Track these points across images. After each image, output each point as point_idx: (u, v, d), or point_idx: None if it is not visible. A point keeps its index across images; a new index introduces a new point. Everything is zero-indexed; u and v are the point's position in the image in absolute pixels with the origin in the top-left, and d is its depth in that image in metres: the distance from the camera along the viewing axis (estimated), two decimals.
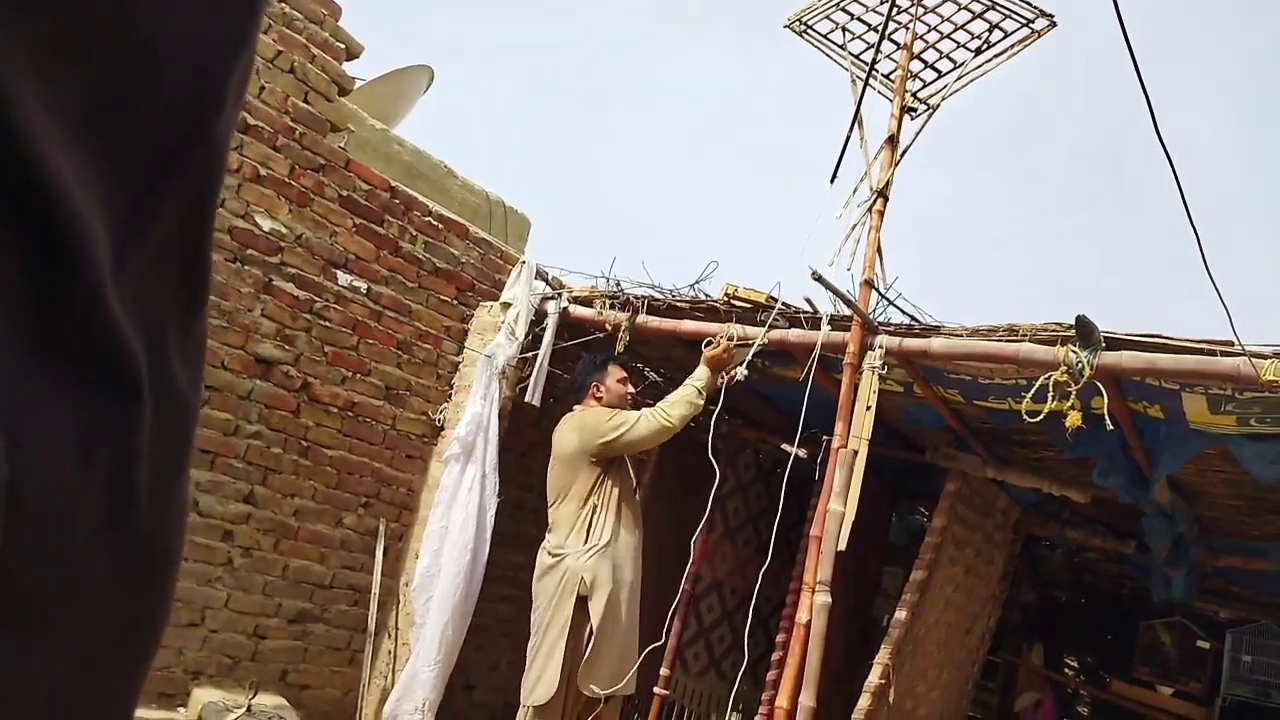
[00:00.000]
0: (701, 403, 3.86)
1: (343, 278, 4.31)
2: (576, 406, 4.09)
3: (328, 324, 4.27)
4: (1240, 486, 4.14)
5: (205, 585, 3.96)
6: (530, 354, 4.68)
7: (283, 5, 4.01)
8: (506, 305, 4.69)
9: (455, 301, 4.82)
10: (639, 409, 3.96)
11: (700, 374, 3.92)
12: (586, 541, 3.70)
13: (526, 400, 4.62)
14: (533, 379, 4.60)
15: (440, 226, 4.73)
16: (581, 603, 3.64)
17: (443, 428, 4.74)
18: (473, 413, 4.51)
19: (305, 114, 4.12)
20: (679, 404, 3.82)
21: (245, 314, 3.99)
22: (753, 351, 3.93)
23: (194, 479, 3.88)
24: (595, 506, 3.76)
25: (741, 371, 3.93)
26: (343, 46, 4.24)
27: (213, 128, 0.41)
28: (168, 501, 0.41)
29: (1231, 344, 2.89)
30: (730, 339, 3.96)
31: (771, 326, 4.01)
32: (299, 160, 4.11)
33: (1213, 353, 2.91)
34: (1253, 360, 2.81)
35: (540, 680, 3.64)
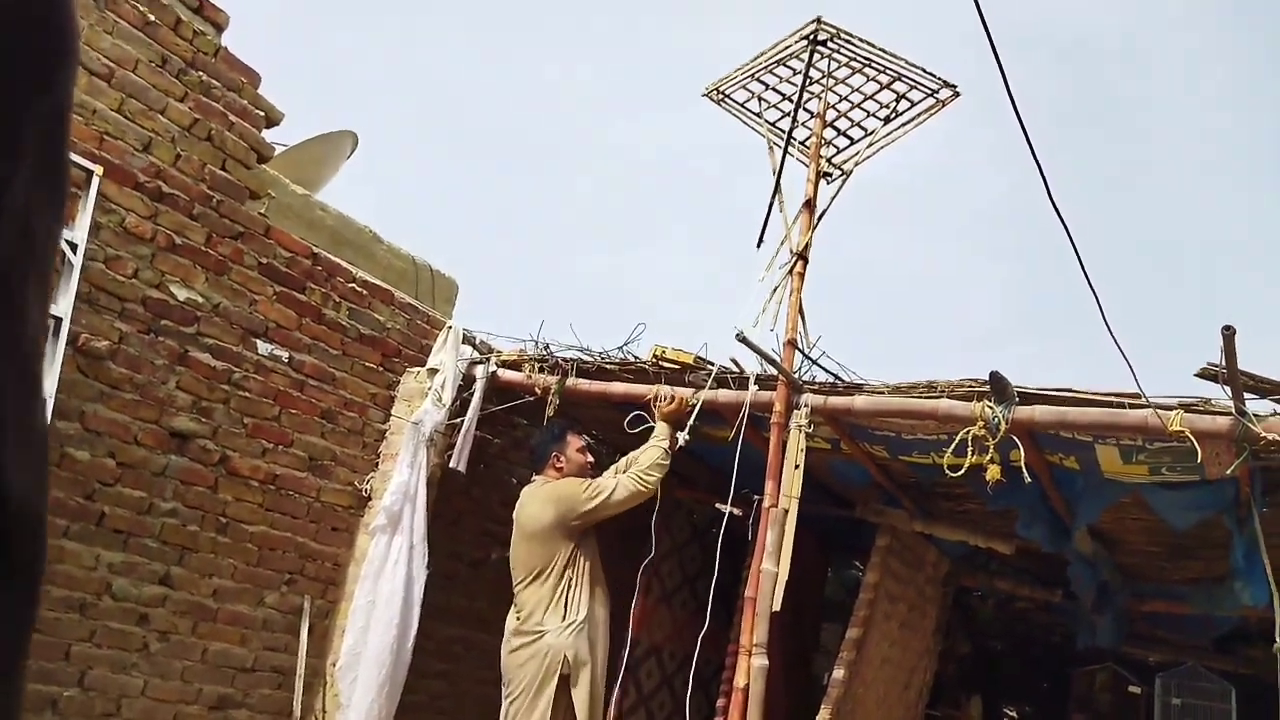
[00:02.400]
0: (668, 462, 3.92)
1: (263, 347, 4.22)
2: (536, 478, 4.07)
3: (247, 395, 4.17)
4: (1158, 533, 4.25)
5: (120, 673, 3.76)
6: (458, 420, 4.63)
7: (199, 73, 3.98)
8: (433, 371, 4.64)
9: (381, 368, 4.75)
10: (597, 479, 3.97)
11: (661, 431, 3.98)
12: (564, 618, 3.66)
13: (452, 466, 4.55)
14: (458, 445, 4.54)
15: (364, 292, 4.67)
16: (563, 681, 3.59)
17: (369, 498, 4.63)
18: (399, 481, 4.42)
19: (223, 181, 4.06)
20: (653, 467, 3.88)
21: (160, 387, 3.87)
22: (693, 417, 3.95)
23: (106, 561, 3.72)
24: (570, 581, 3.73)
25: (683, 436, 3.95)
26: (262, 114, 4.21)
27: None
28: None
29: (1138, 396, 2.99)
30: (681, 396, 4.00)
31: (704, 388, 4.04)
32: (216, 228, 4.04)
33: (1121, 405, 3.01)
34: (1158, 412, 2.91)
35: None
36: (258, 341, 4.20)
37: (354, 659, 4.25)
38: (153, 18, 3.78)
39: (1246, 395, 2.88)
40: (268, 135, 4.30)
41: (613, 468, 4.20)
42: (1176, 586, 5.17)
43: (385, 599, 4.30)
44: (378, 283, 4.78)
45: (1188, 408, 2.97)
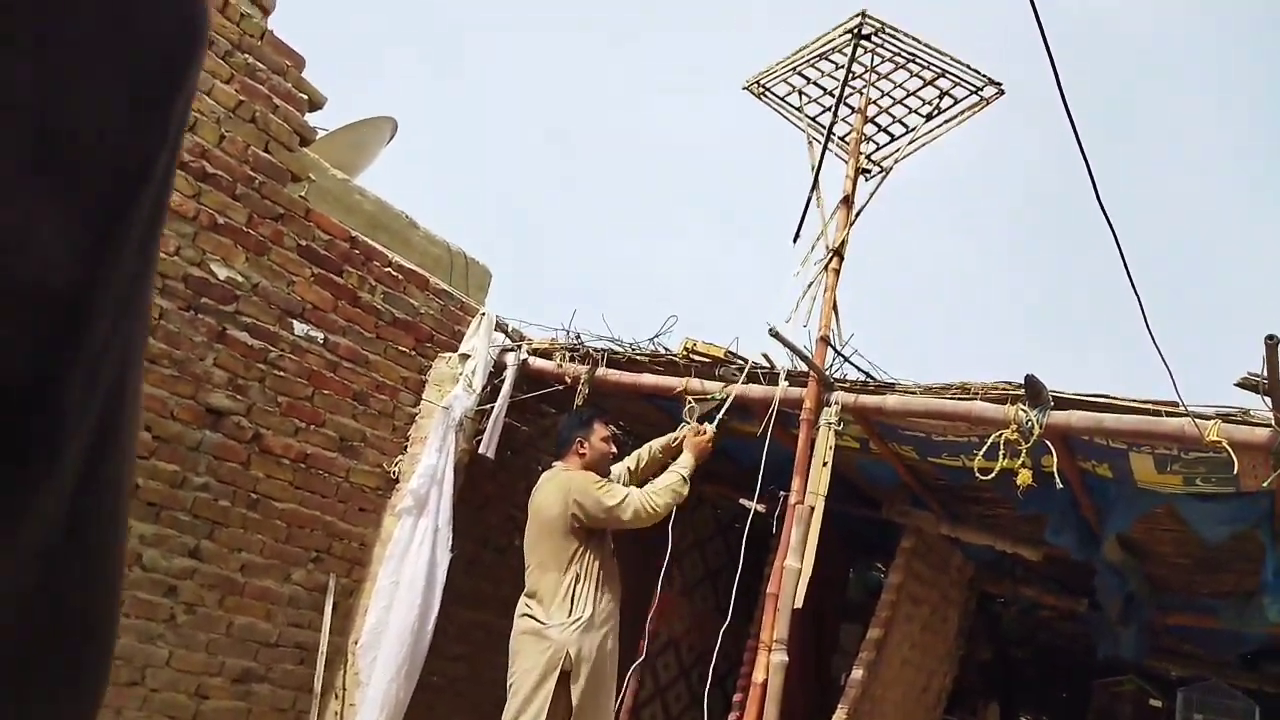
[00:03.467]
0: (685, 491, 3.83)
1: (299, 327, 4.27)
2: (557, 463, 3.98)
3: (282, 374, 4.22)
4: (1188, 545, 4.20)
5: (147, 643, 3.83)
6: (488, 406, 4.65)
7: (245, 56, 4.03)
8: (465, 357, 4.67)
9: (413, 353, 4.79)
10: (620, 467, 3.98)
11: (685, 461, 3.90)
12: (570, 615, 3.61)
13: (481, 452, 4.58)
14: (488, 431, 4.56)
15: (400, 277, 4.71)
16: (564, 678, 3.56)
17: (398, 480, 4.68)
18: (427, 465, 4.46)
19: (265, 163, 4.11)
20: (665, 492, 3.78)
21: (197, 363, 3.93)
22: (724, 409, 3.94)
23: (138, 532, 3.78)
24: (577, 576, 3.67)
25: (710, 428, 3.93)
26: (305, 97, 4.25)
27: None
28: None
29: (1176, 404, 2.96)
30: (709, 432, 3.96)
31: (733, 382, 4.04)
32: (258, 209, 4.09)
33: (1158, 413, 2.98)
34: (1196, 421, 2.87)
35: None
36: (294, 322, 4.25)
37: (375, 638, 4.30)
38: None
39: None
40: (310, 119, 4.35)
41: (632, 456, 4.19)
42: (1205, 600, 5.11)
43: (408, 580, 4.34)
44: (413, 268, 4.82)
45: (1226, 418, 2.93)
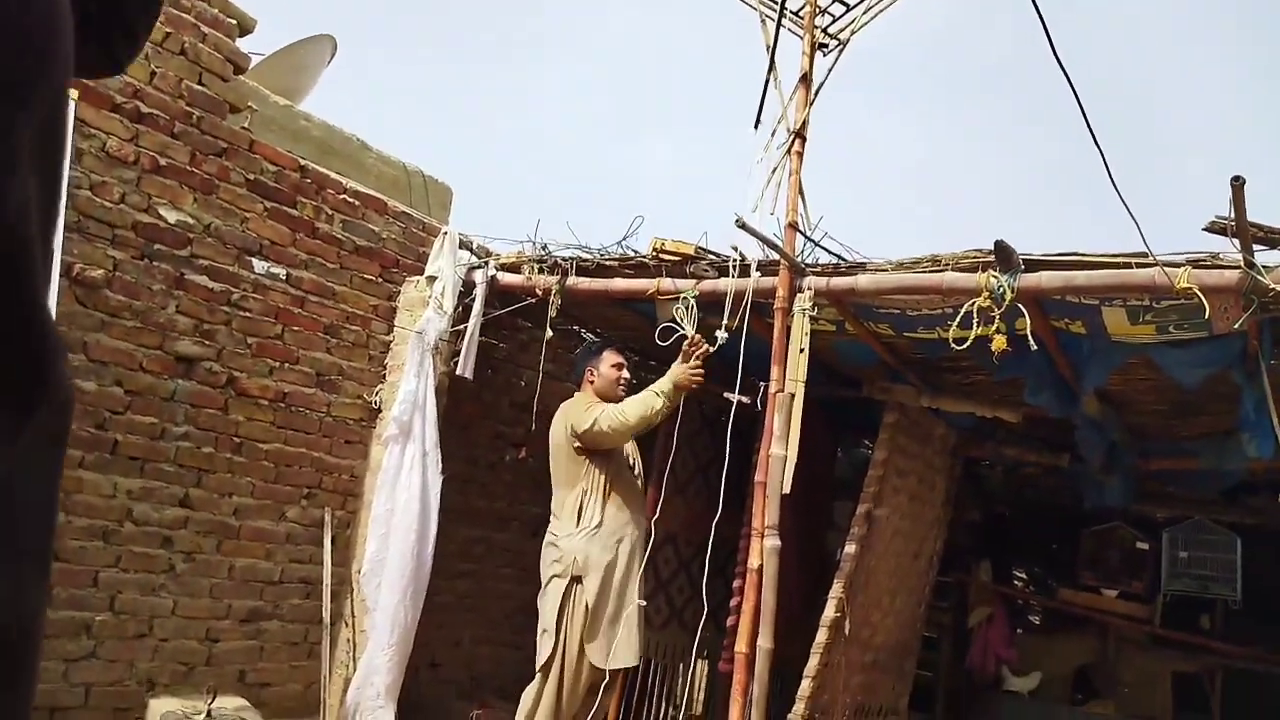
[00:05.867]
0: (659, 406, 3.83)
1: (259, 265, 4.18)
2: (576, 395, 4.20)
3: (248, 315, 4.15)
4: (1165, 392, 4.27)
5: (150, 595, 3.86)
6: (462, 326, 4.61)
7: None
8: (432, 279, 4.60)
9: (380, 279, 4.72)
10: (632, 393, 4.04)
11: (664, 384, 3.88)
12: (578, 524, 3.87)
13: (459, 373, 4.56)
14: (463, 351, 4.54)
15: (357, 203, 4.60)
16: (576, 581, 3.81)
17: (380, 410, 4.66)
18: (407, 391, 4.44)
19: (201, 96, 3.95)
20: (636, 405, 3.87)
21: (159, 312, 3.85)
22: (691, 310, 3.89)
23: (125, 488, 3.77)
24: (585, 491, 3.91)
25: (721, 335, 3.86)
26: (234, 22, 4.06)
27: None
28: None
29: (1145, 255, 2.95)
30: (698, 353, 3.87)
31: (704, 278, 4.00)
32: (200, 146, 3.94)
33: (1128, 265, 2.98)
34: (1166, 270, 2.88)
35: (539, 650, 3.86)
36: (253, 260, 4.16)
37: (378, 565, 4.35)
38: None
39: (1256, 247, 2.84)
40: (243, 44, 4.16)
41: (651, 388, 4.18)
42: (1184, 443, 5.22)
43: (403, 506, 4.38)
44: (370, 192, 4.70)
45: (1195, 263, 2.93)
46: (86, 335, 3.63)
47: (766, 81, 3.60)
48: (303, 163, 4.37)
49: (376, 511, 4.42)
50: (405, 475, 4.44)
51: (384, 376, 4.70)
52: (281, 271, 4.26)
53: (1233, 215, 2.66)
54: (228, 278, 4.07)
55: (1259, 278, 2.80)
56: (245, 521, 4.19)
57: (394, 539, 4.39)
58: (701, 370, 3.87)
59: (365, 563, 4.37)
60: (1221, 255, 2.94)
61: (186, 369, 3.96)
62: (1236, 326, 3.04)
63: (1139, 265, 2.97)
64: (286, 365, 4.31)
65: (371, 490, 4.52)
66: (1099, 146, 2.44)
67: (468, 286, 4.67)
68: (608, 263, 4.36)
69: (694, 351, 3.87)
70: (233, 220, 4.08)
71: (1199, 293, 2.88)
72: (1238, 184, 2.51)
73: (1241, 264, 2.85)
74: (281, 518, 4.34)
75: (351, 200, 4.57)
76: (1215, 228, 2.80)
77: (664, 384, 3.90)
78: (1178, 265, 2.91)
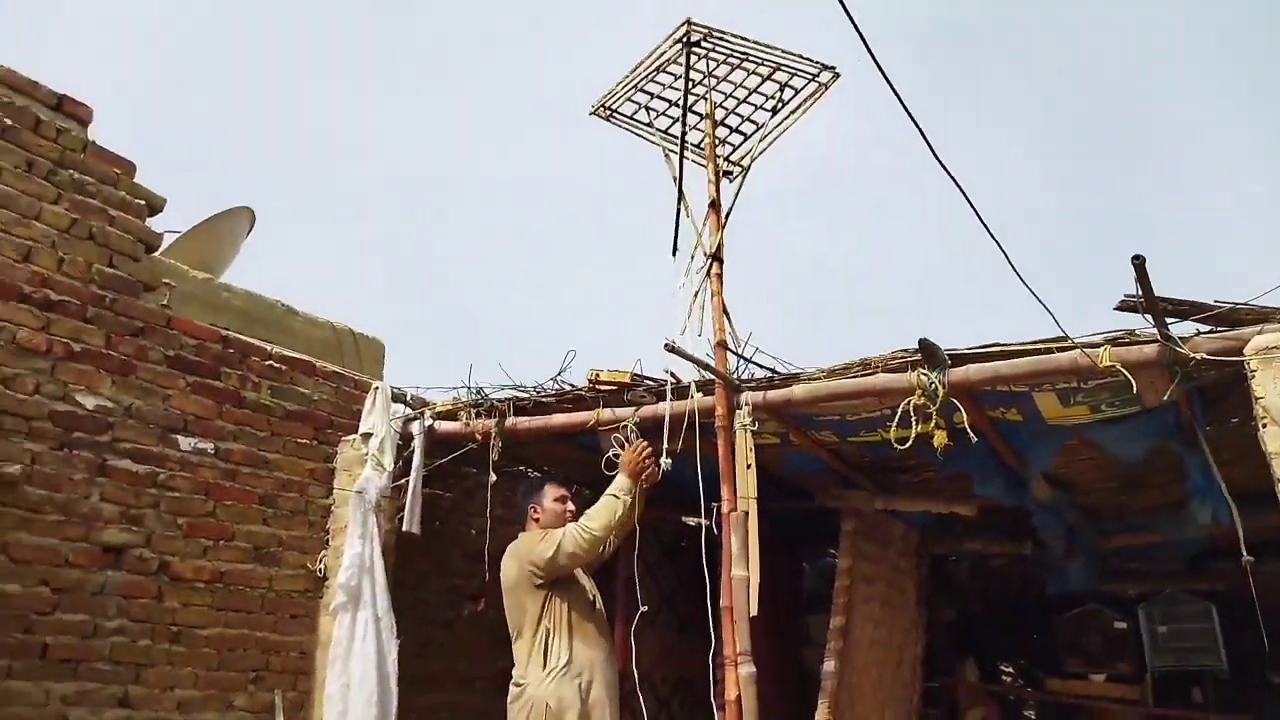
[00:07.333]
0: (621, 508, 3.69)
1: (185, 442, 4.06)
2: (522, 534, 3.94)
3: (177, 494, 4.00)
4: (1110, 469, 4.29)
5: None
6: (403, 481, 4.50)
7: (70, 172, 3.83)
8: (367, 436, 4.51)
9: (315, 442, 4.61)
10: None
11: (619, 483, 3.76)
12: (545, 666, 3.58)
13: (405, 530, 4.42)
14: (408, 506, 4.41)
15: (284, 368, 4.53)
16: None
17: (325, 578, 4.48)
18: (353, 554, 4.27)
19: (113, 278, 3.91)
20: (600, 513, 3.68)
21: (82, 502, 3.70)
22: (664, 457, 3.81)
23: (58, 694, 3.53)
24: (548, 630, 3.64)
25: (665, 463, 3.81)
26: (143, 202, 4.06)
27: None
28: None
29: (1065, 339, 3.00)
30: (640, 444, 3.82)
31: (643, 404, 3.97)
32: (115, 328, 3.88)
33: (1049, 350, 3.02)
34: (1086, 351, 2.92)
35: None
36: (178, 438, 4.04)
37: None
38: (10, 121, 3.64)
39: (1168, 320, 2.90)
40: (154, 224, 4.16)
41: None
42: (1139, 517, 5.23)
43: (359, 679, 4.15)
44: (298, 355, 4.65)
45: (1114, 341, 2.99)
46: (7, 535, 3.46)
47: (678, 211, 3.69)
48: (225, 333, 4.32)
49: (331, 688, 4.18)
50: (359, 645, 4.23)
51: (327, 542, 4.54)
52: (209, 446, 4.14)
53: (1140, 292, 2.73)
54: (153, 458, 3.94)
55: (1177, 349, 2.86)
56: (190, 715, 3.94)
57: (353, 715, 4.13)
58: (651, 453, 3.77)
59: None
60: (1138, 331, 3.00)
61: (115, 558, 3.79)
62: (1166, 398, 3.09)
63: (1059, 349, 3.02)
64: (221, 542, 4.14)
65: (323, 666, 4.29)
66: (992, 234, 2.50)
67: (405, 439, 4.58)
68: (545, 399, 4.33)
69: (639, 445, 3.79)
70: (154, 399, 3.98)
71: (1124, 370, 2.92)
72: (1139, 263, 2.58)
73: (1158, 337, 2.91)
74: (229, 707, 4.09)
75: (278, 365, 4.50)
76: (1126, 305, 2.86)
77: (619, 483, 3.75)
78: (1097, 345, 2.96)
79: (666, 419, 3.74)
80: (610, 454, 3.94)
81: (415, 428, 4.56)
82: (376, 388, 4.64)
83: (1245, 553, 3.05)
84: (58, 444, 3.66)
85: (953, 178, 2.13)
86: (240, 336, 4.40)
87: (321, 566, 4.50)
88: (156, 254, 4.17)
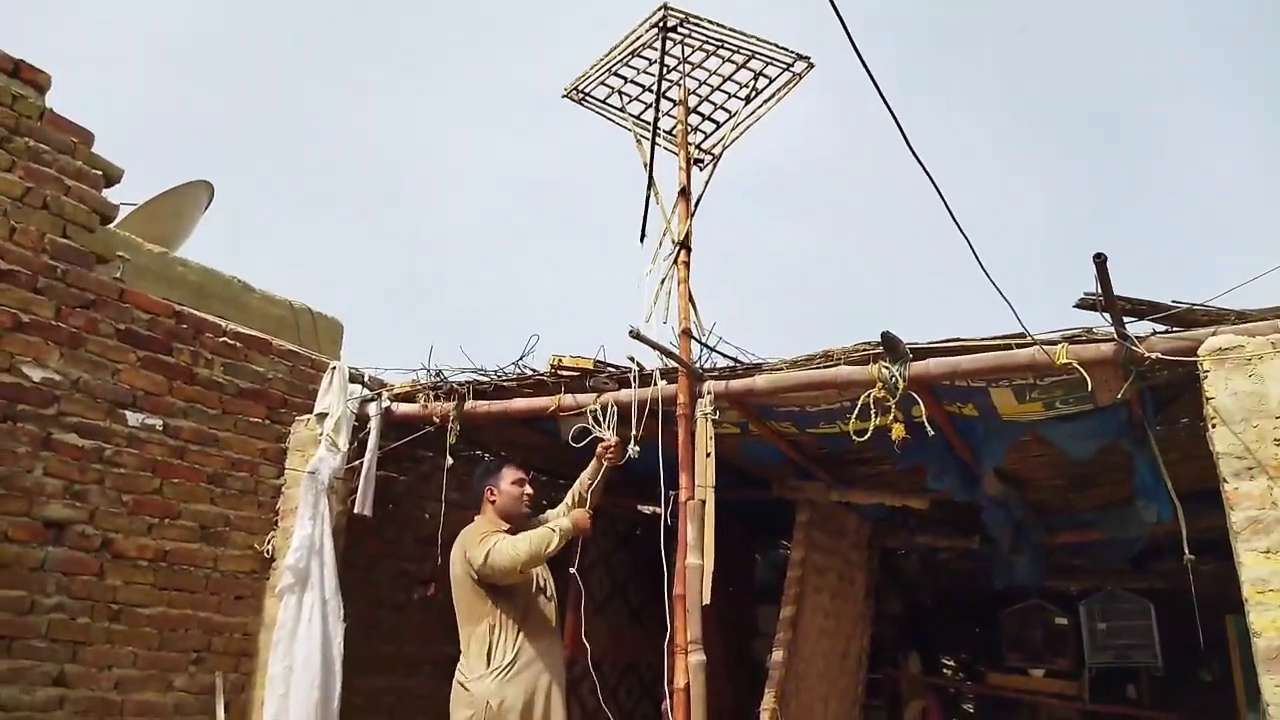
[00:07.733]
0: (554, 545, 3.61)
1: (133, 417, 3.96)
2: (473, 521, 3.86)
3: (123, 471, 3.90)
4: (1061, 466, 4.37)
5: None
6: (357, 462, 4.44)
7: (26, 139, 3.71)
8: (322, 416, 4.44)
9: (267, 421, 4.53)
10: (535, 509, 3.88)
11: (564, 523, 3.70)
12: (488, 665, 3.53)
13: (357, 511, 4.36)
14: (360, 488, 4.35)
15: (238, 345, 4.44)
16: None
17: (273, 559, 4.40)
18: (302, 536, 4.20)
19: (66, 249, 3.79)
20: (531, 540, 3.58)
21: (25, 476, 3.60)
22: (631, 445, 3.79)
23: None
24: (492, 627, 3.58)
25: (633, 450, 3.78)
26: (99, 173, 3.95)
27: None
28: None
29: (1024, 335, 3.05)
30: (615, 451, 3.81)
31: (605, 391, 3.96)
32: (65, 299, 3.77)
33: (1008, 347, 3.07)
34: (1044, 348, 2.97)
35: None
36: (126, 413, 3.94)
37: None
38: None
39: (1126, 319, 2.96)
40: (111, 195, 4.04)
41: (569, 493, 4.06)
42: (1085, 515, 5.34)
43: (302, 661, 4.08)
44: (252, 333, 4.55)
45: (1072, 339, 3.03)
46: None
47: (647, 197, 3.68)
48: (178, 308, 4.22)
49: (274, 670, 4.11)
50: (304, 627, 4.16)
51: (276, 523, 4.46)
52: (158, 422, 4.04)
53: (1100, 290, 2.78)
54: (99, 433, 3.84)
55: (1133, 348, 2.91)
56: (129, 695, 3.85)
57: (295, 698, 4.07)
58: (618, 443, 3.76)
59: None
60: (1096, 330, 3.06)
61: (57, 534, 3.68)
62: (1120, 397, 3.15)
63: (1019, 345, 3.06)
64: (167, 521, 4.04)
65: (267, 648, 4.21)
66: (961, 230, 2.53)
67: (362, 420, 4.51)
68: (506, 384, 4.29)
69: (607, 456, 3.80)
70: (103, 373, 3.87)
71: (1079, 367, 2.97)
72: (1100, 261, 2.62)
73: (1115, 336, 2.96)
74: (169, 687, 4.00)
75: (232, 342, 4.41)
76: (1085, 303, 2.91)
77: (564, 524, 3.69)
78: (1055, 343, 3.01)
79: (635, 405, 3.74)
80: (588, 431, 3.91)
81: (372, 409, 4.49)
82: (334, 367, 4.57)
83: (1187, 552, 3.12)
84: (1, 416, 3.54)
85: (923, 166, 2.15)
86: (194, 312, 4.30)
87: (269, 547, 4.42)
88: (112, 226, 4.05)
